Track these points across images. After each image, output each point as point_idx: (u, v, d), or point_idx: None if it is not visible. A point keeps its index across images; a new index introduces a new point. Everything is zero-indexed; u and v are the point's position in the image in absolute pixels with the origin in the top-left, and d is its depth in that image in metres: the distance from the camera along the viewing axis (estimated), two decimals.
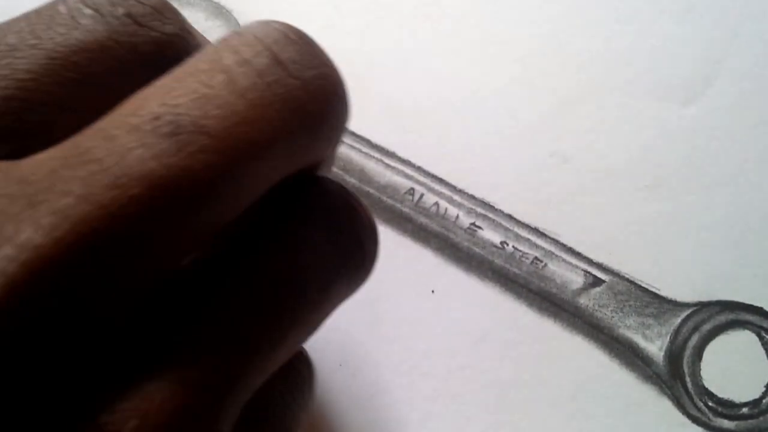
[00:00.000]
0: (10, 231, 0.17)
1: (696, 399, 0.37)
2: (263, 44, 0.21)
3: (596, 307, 0.38)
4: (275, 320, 0.21)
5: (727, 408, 0.37)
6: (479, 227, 0.38)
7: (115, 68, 0.21)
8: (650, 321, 0.37)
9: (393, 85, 0.39)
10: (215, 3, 0.40)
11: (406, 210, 0.39)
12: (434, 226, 0.38)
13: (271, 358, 0.21)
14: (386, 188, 0.39)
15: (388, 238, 0.39)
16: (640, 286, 0.38)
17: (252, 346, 0.20)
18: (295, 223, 0.23)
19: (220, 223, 0.20)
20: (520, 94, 0.39)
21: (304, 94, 0.21)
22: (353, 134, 0.39)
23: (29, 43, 0.20)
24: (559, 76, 0.39)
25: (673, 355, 0.37)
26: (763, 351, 0.37)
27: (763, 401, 0.37)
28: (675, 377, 0.37)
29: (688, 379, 0.37)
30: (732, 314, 0.37)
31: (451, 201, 0.38)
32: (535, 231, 0.38)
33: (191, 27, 0.24)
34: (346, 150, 0.39)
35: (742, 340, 0.37)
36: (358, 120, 0.40)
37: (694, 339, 0.37)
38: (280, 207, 0.23)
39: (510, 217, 0.38)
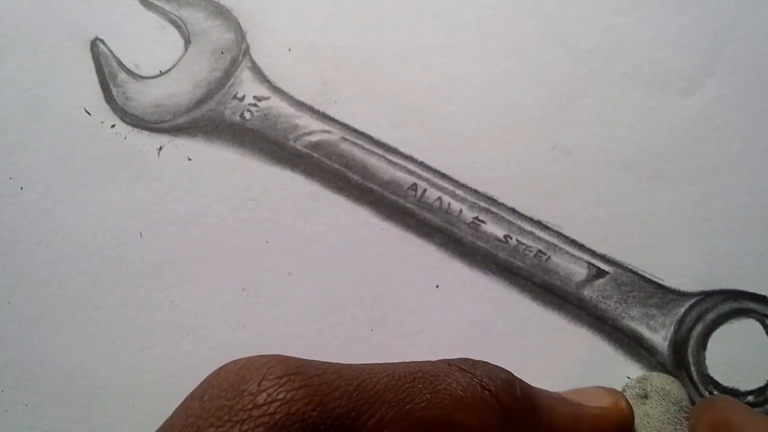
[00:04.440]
0: None
1: (701, 388, 0.37)
2: None
3: (600, 299, 0.38)
4: None
5: (732, 396, 0.37)
6: (482, 221, 0.38)
7: None
8: (654, 311, 0.37)
9: (393, 81, 0.40)
10: (215, 2, 0.40)
11: (409, 205, 0.39)
12: (438, 220, 0.39)
13: None
14: (389, 184, 0.39)
15: (391, 234, 0.39)
16: (643, 277, 0.38)
17: None
18: None
19: None
20: (521, 88, 0.39)
21: None
22: (355, 131, 0.39)
23: None
24: (559, 70, 0.40)
25: (678, 344, 0.37)
26: (767, 339, 0.37)
27: None
28: (680, 367, 0.37)
29: (693, 368, 0.37)
30: (736, 303, 0.37)
31: (454, 196, 0.39)
32: (538, 224, 0.38)
33: None
34: (348, 147, 0.39)
35: (747, 329, 0.37)
36: (359, 117, 0.41)
37: (699, 328, 0.37)
38: None
39: (513, 210, 0.39)
